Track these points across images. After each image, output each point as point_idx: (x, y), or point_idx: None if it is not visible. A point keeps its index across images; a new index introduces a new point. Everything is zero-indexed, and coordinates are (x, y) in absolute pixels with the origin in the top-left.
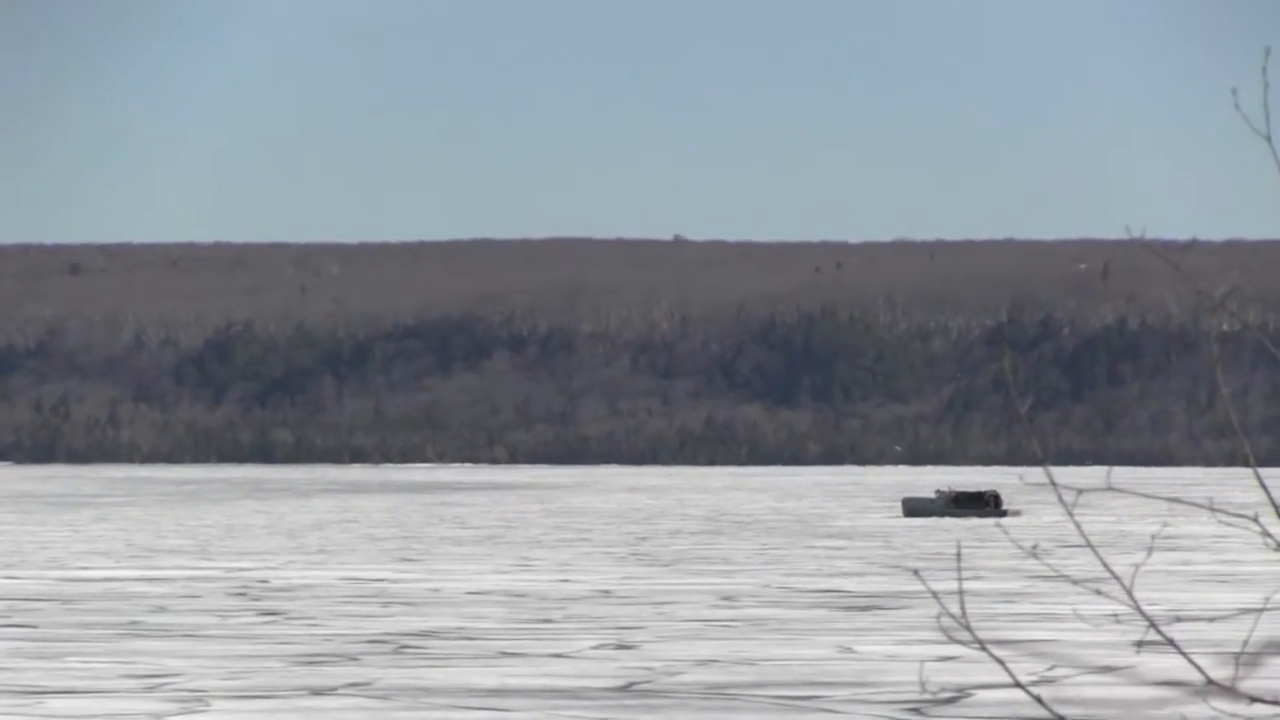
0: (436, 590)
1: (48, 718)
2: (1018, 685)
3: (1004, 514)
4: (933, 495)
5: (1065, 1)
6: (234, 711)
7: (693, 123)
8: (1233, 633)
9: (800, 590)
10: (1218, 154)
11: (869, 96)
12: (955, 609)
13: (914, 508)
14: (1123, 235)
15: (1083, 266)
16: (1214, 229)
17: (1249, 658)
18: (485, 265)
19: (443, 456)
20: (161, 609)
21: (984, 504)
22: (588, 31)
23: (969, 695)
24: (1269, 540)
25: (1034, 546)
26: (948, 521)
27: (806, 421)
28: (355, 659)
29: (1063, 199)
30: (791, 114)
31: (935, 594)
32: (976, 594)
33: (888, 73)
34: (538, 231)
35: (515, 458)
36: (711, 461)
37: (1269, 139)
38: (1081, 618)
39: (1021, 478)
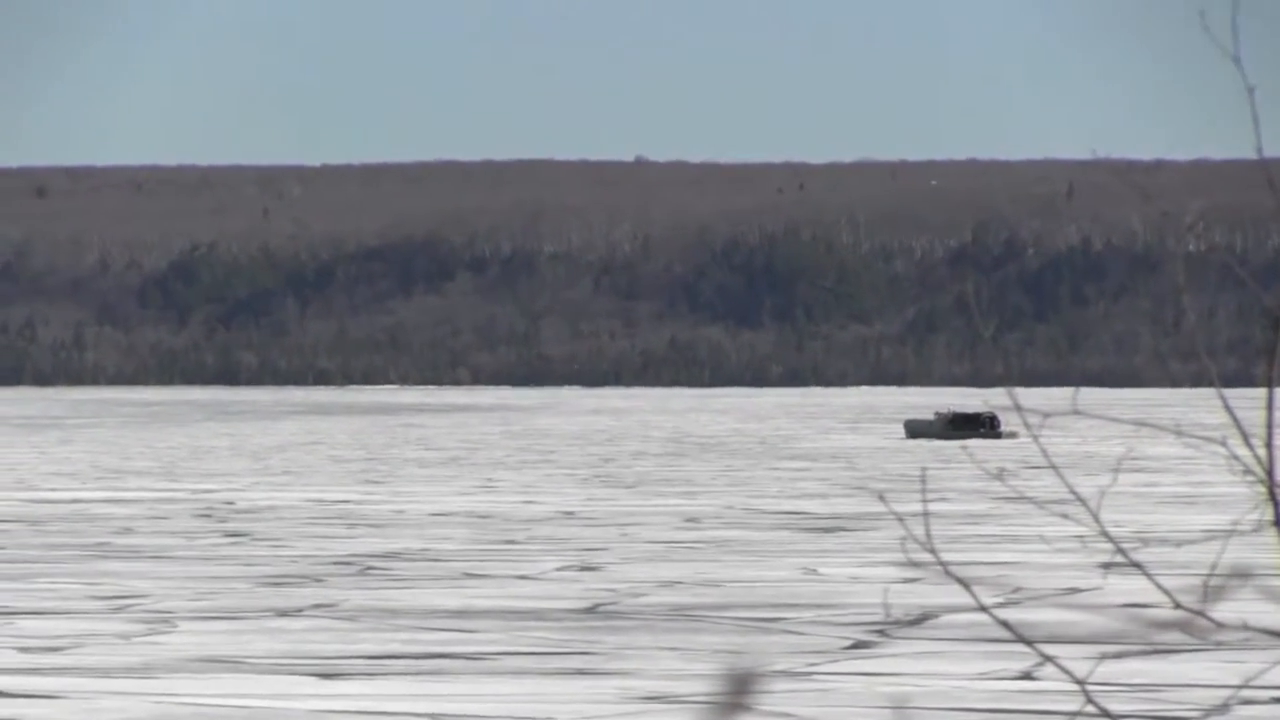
0: (401, 512)
1: (17, 638)
2: (982, 608)
3: (1000, 436)
4: (931, 417)
5: None
6: (201, 632)
7: (655, 43)
8: (1200, 555)
9: (764, 512)
10: (1184, 74)
11: (832, 16)
12: (919, 531)
13: (915, 429)
14: (1088, 155)
15: (934, 183)
16: (1180, 149)
17: (1217, 582)
18: (447, 187)
19: (405, 378)
20: (128, 530)
21: (981, 425)
22: None
23: (933, 617)
24: (1235, 464)
25: (1000, 470)
26: (911, 443)
27: (769, 343)
28: (321, 580)
29: (1027, 119)
30: (754, 34)
31: (899, 516)
32: (941, 516)
33: None
34: (500, 153)
35: (478, 379)
36: (674, 383)
37: (1238, 60)
38: (1046, 541)
39: (986, 401)
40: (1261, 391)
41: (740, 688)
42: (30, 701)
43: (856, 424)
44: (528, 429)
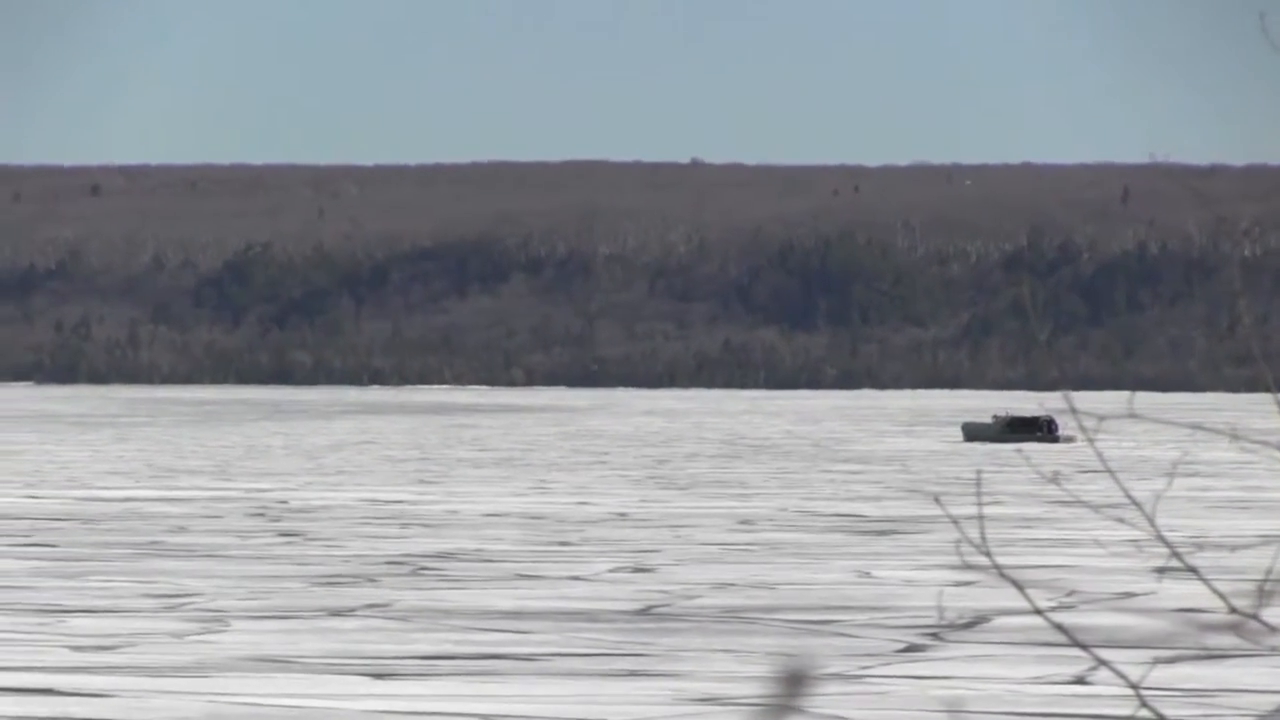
0: (454, 512)
1: (69, 636)
2: (1037, 612)
3: (1057, 439)
4: (989, 420)
5: None
6: (253, 631)
7: (710, 45)
8: (1254, 560)
9: (817, 514)
10: (1241, 78)
11: (887, 18)
12: (974, 534)
13: (973, 432)
14: (1143, 160)
15: (968, 182)
16: (1236, 153)
17: (1271, 587)
18: (502, 188)
19: (460, 379)
20: (182, 529)
21: (1038, 429)
22: None
23: (987, 620)
24: None
25: (1054, 473)
26: (964, 447)
27: (823, 345)
28: (374, 580)
29: (1083, 123)
30: (810, 37)
31: (954, 519)
32: (995, 520)
33: None
34: (555, 154)
35: (532, 380)
36: (728, 385)
37: None
38: (1101, 544)
39: (1041, 404)
40: None
41: (793, 690)
42: (82, 700)
43: (911, 427)
44: (582, 430)
